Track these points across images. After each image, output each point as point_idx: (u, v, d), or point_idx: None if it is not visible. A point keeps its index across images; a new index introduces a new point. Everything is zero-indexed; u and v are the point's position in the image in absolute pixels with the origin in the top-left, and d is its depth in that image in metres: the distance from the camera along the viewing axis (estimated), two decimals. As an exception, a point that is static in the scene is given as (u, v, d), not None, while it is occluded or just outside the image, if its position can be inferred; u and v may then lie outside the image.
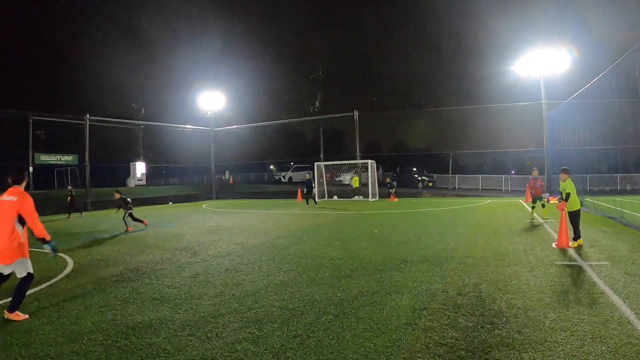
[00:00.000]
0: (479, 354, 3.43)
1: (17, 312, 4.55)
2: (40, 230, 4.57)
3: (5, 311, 4.56)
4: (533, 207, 13.00)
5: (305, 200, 20.24)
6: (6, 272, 4.56)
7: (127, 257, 8.14)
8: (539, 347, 3.51)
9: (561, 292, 5.04)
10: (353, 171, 28.18)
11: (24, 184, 4.62)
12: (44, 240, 4.64)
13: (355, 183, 24.93)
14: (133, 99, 47.38)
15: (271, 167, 47.17)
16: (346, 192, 27.06)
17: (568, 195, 7.96)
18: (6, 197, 4.50)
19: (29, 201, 4.51)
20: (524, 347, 3.51)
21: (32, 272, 4.64)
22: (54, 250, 4.78)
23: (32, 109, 23.33)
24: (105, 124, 27.35)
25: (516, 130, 27.87)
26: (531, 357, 3.33)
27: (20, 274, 4.57)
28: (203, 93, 31.41)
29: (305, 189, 19.96)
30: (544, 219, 11.87)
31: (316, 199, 20.13)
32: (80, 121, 23.73)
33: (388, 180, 25.25)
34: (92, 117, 24.09)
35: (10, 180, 4.58)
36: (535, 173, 12.94)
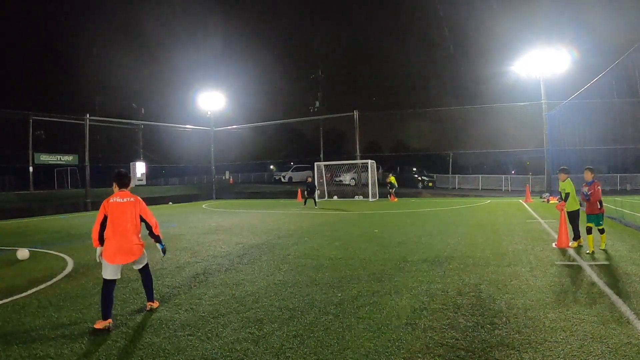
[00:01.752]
0: (479, 354, 3.43)
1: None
2: (158, 229, 4.87)
3: (148, 303, 4.85)
4: (588, 232, 7.44)
5: (304, 200, 20.28)
6: (136, 267, 4.83)
7: (127, 257, 8.13)
8: (539, 347, 3.51)
9: (561, 292, 5.04)
10: (353, 171, 28.17)
11: (128, 189, 4.81)
12: (158, 239, 4.88)
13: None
14: (133, 99, 47.39)
15: (271, 167, 47.17)
16: (346, 192, 27.05)
17: (567, 195, 7.96)
18: (122, 199, 4.65)
19: (143, 202, 4.84)
20: (524, 347, 3.51)
21: (147, 262, 4.92)
22: (164, 251, 4.95)
23: (32, 109, 23.33)
24: (105, 124, 27.36)
25: (516, 130, 27.86)
26: (531, 357, 3.33)
27: (142, 264, 4.84)
28: (203, 93, 31.39)
29: (307, 190, 20.02)
30: (601, 249, 7.44)
31: (316, 200, 20.23)
32: (80, 121, 23.72)
33: (388, 180, 25.21)
34: (92, 117, 24.08)
35: (117, 185, 4.75)
36: (588, 175, 7.71)
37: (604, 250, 7.36)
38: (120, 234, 4.49)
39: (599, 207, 7.48)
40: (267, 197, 29.66)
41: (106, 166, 29.46)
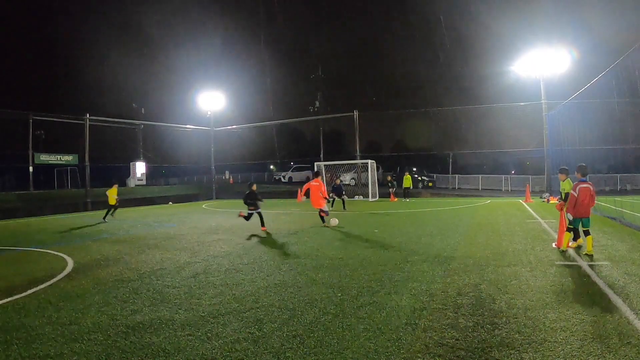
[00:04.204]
0: (479, 354, 3.43)
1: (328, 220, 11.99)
2: (325, 194, 12.03)
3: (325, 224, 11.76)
4: (586, 234, 7.41)
5: (332, 202, 18.79)
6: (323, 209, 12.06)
7: (127, 257, 8.15)
8: (539, 347, 3.51)
9: (561, 292, 5.04)
10: (353, 171, 28.17)
11: (319, 178, 11.83)
12: (326, 199, 12.15)
13: (407, 182, 23.69)
14: (133, 99, 47.37)
15: (271, 167, 47.18)
16: (346, 192, 27.02)
17: (567, 195, 7.95)
18: (315, 183, 11.99)
19: (323, 184, 11.72)
20: (524, 347, 3.51)
21: (327, 209, 12.12)
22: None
23: (32, 109, 23.35)
24: (105, 124, 27.36)
25: (516, 130, 27.87)
26: (531, 357, 3.33)
27: (322, 210, 11.96)
28: (203, 93, 31.40)
29: (334, 194, 18.79)
30: (588, 253, 7.09)
31: (345, 202, 18.89)
32: (80, 121, 23.72)
33: (389, 178, 25.17)
34: (92, 117, 24.08)
35: (314, 176, 12.18)
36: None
37: (587, 254, 7.06)
38: (313, 195, 12.05)
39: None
40: (267, 197, 29.64)
41: (106, 166, 29.48)
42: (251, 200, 11.43)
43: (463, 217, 13.74)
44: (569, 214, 7.42)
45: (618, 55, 12.37)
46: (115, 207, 16.17)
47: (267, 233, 10.93)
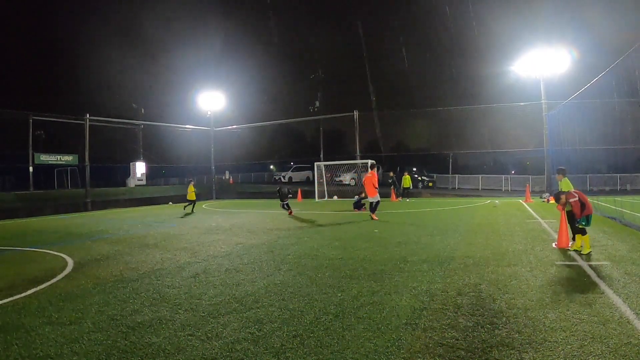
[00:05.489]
0: (479, 354, 3.43)
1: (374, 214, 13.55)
2: (376, 185, 13.49)
3: (371, 214, 13.54)
4: (574, 235, 7.63)
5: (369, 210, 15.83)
6: (371, 200, 13.57)
7: (127, 257, 8.15)
8: (539, 347, 3.51)
9: (561, 292, 5.04)
10: (353, 171, 28.16)
11: (374, 170, 14.04)
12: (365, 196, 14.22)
13: (406, 182, 23.66)
14: (133, 99, 47.32)
15: (271, 167, 47.17)
16: (346, 192, 27.04)
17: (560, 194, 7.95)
18: (369, 174, 13.59)
19: (375, 176, 13.47)
20: (524, 347, 3.51)
21: (379, 200, 13.63)
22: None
23: (32, 109, 23.34)
24: (105, 124, 27.34)
25: (516, 130, 27.83)
26: (531, 357, 3.33)
27: (374, 200, 13.43)
28: (203, 93, 31.37)
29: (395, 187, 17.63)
30: (585, 252, 7.18)
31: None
32: (80, 121, 23.72)
33: (391, 174, 25.15)
34: (92, 117, 24.08)
35: (371, 169, 14.03)
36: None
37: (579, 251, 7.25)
38: (368, 186, 13.52)
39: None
40: (267, 197, 29.65)
41: (106, 166, 29.48)
42: (285, 194, 15.70)
43: (463, 217, 13.74)
44: (578, 219, 7.21)
45: (618, 55, 12.35)
46: (194, 202, 18.62)
47: (295, 218, 14.43)
